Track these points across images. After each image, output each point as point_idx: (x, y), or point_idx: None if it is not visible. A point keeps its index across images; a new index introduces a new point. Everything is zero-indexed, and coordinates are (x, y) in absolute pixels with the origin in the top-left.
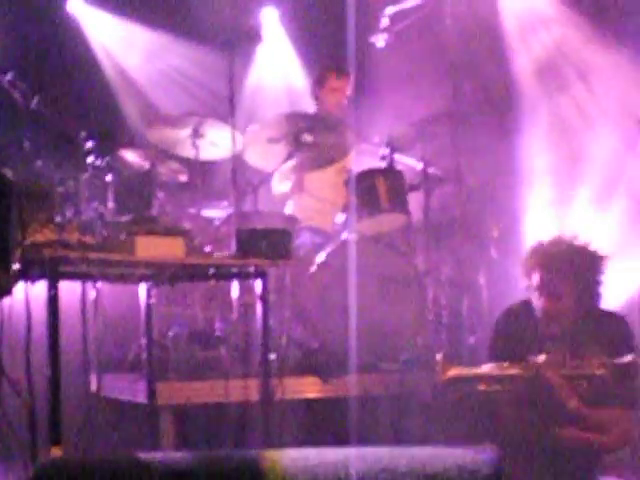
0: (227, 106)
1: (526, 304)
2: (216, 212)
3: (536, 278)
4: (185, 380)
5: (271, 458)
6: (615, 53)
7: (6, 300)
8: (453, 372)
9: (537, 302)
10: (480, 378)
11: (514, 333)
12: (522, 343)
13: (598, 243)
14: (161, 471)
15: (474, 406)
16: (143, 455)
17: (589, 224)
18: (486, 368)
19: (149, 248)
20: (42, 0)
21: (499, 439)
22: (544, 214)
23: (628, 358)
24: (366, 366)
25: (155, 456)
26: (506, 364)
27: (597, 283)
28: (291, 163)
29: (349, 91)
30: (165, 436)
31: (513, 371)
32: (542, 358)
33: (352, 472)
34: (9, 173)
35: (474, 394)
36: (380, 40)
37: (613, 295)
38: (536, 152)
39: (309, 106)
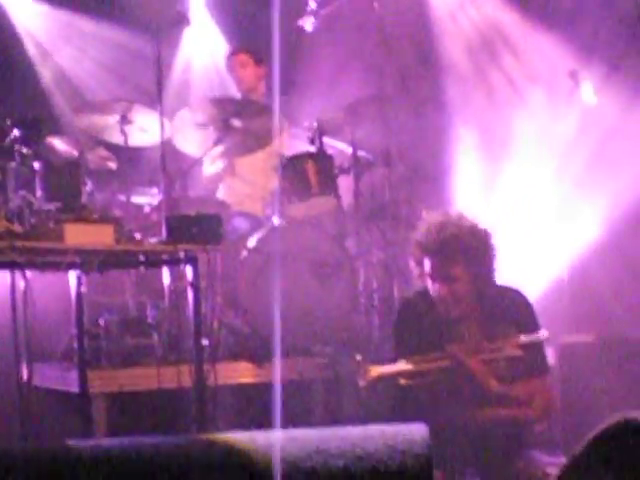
0: (155, 91)
1: (421, 294)
2: (146, 199)
3: (427, 264)
4: (117, 368)
5: (202, 443)
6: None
7: None
8: (374, 372)
9: (432, 289)
10: (401, 374)
11: (416, 325)
12: (427, 332)
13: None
14: (92, 459)
15: (399, 398)
16: (73, 443)
17: (518, 203)
18: (406, 363)
19: (78, 235)
20: None
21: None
22: (474, 194)
23: (542, 334)
24: (299, 350)
25: (86, 444)
26: (425, 356)
27: (489, 261)
28: (220, 148)
29: (255, 67)
30: (98, 424)
31: (433, 364)
32: (457, 347)
33: (283, 454)
34: None
35: (397, 388)
36: (308, 24)
37: (542, 276)
38: (466, 133)
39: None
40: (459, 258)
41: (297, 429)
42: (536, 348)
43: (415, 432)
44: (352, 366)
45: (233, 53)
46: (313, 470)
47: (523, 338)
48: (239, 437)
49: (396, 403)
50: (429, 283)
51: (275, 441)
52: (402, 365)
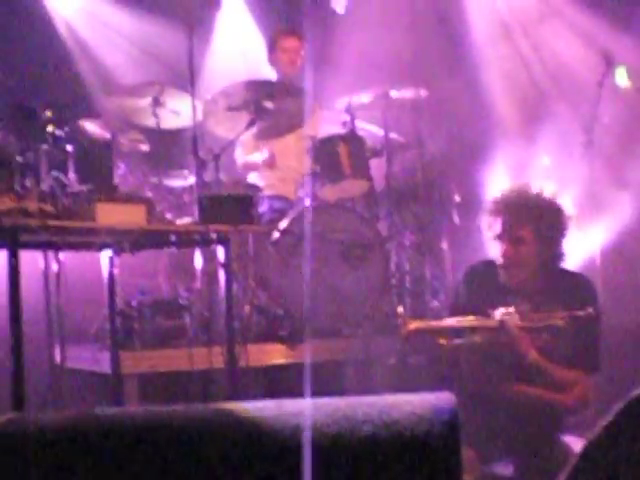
0: (187, 75)
1: (487, 263)
2: (178, 181)
3: (498, 225)
4: (149, 349)
5: (230, 410)
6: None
7: None
8: (414, 325)
9: (499, 251)
10: (441, 331)
11: (475, 289)
12: (483, 298)
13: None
14: (120, 425)
15: (435, 361)
16: (101, 411)
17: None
18: (448, 321)
19: (110, 215)
20: None
21: (459, 392)
22: (506, 178)
23: (589, 310)
24: (330, 332)
25: (114, 411)
26: (467, 317)
27: (559, 237)
28: (252, 132)
29: (302, 52)
30: (130, 405)
31: (474, 323)
32: (502, 310)
33: (310, 421)
34: None
35: (435, 348)
36: (339, 6)
37: (573, 256)
38: (498, 116)
39: (269, 73)
40: (530, 221)
41: (324, 398)
42: (590, 341)
43: (442, 400)
44: (384, 347)
45: (288, 34)
46: (340, 435)
47: (569, 312)
48: (267, 405)
49: (432, 364)
50: (496, 245)
51: (302, 408)
52: (444, 322)
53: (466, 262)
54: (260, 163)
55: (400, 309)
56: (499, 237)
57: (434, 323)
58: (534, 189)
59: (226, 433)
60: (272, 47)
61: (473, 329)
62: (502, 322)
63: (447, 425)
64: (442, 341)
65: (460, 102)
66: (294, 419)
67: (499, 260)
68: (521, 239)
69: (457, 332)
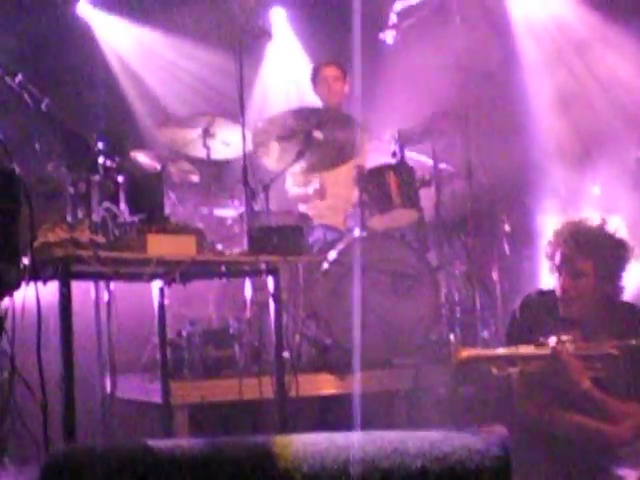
0: (237, 105)
1: (543, 293)
2: (228, 212)
3: (558, 256)
4: (199, 379)
5: (281, 442)
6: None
7: (19, 300)
8: (467, 353)
9: (557, 283)
10: (493, 359)
11: (531, 319)
12: (539, 328)
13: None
14: (172, 457)
15: (487, 390)
16: (154, 443)
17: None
18: (500, 350)
19: (161, 246)
20: (52, 3)
21: (511, 422)
22: (556, 208)
23: None
24: (380, 362)
25: (166, 443)
26: (520, 345)
27: (619, 271)
28: (303, 164)
29: (342, 81)
30: (180, 435)
31: (527, 351)
32: (555, 339)
33: (361, 455)
34: (17, 169)
35: (487, 377)
36: (389, 37)
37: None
38: (547, 145)
39: (317, 104)
40: (591, 255)
41: (375, 431)
42: None
43: (494, 434)
44: (434, 378)
45: (327, 64)
46: (391, 469)
47: (622, 341)
48: (317, 437)
49: (482, 394)
50: (556, 277)
51: (353, 441)
52: (496, 350)
53: (516, 292)
54: (311, 194)
55: (452, 337)
56: (558, 269)
57: (486, 351)
58: (596, 221)
59: (276, 466)
60: (314, 77)
61: (526, 358)
62: (555, 350)
63: (499, 459)
64: (494, 370)
65: (510, 131)
66: (345, 452)
67: (557, 292)
68: (581, 272)
69: (509, 361)
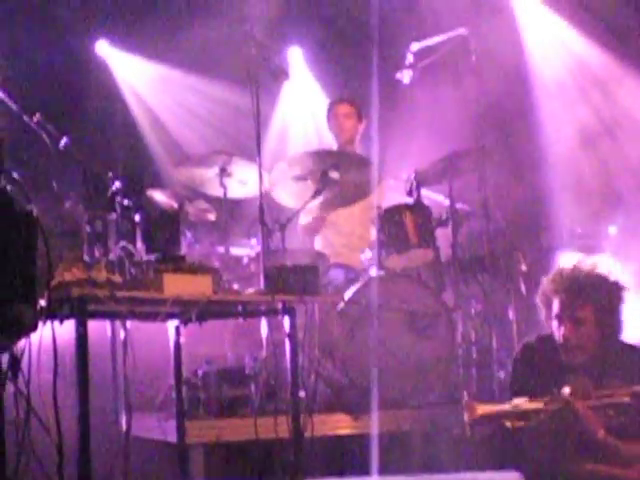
0: (254, 144)
1: (542, 339)
2: (244, 250)
3: (556, 305)
4: (215, 418)
5: None
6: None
7: (35, 339)
8: (480, 411)
9: (557, 331)
10: (507, 414)
11: (533, 368)
12: (543, 377)
13: (621, 275)
14: None
15: (502, 443)
16: None
17: (618, 256)
18: (512, 404)
19: (177, 285)
20: (70, 42)
21: (527, 473)
22: (572, 247)
23: None
24: (396, 402)
25: None
26: (532, 399)
27: (617, 312)
28: (318, 201)
29: (353, 118)
30: (196, 474)
31: (539, 405)
32: (567, 390)
33: None
34: (34, 210)
35: (501, 431)
36: (406, 76)
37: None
38: (563, 185)
39: (334, 144)
40: (589, 301)
41: (390, 475)
42: None
43: (509, 476)
44: (450, 418)
45: (338, 102)
46: None
47: (634, 388)
48: None
49: (499, 446)
50: (555, 325)
51: None
52: (508, 405)
53: (532, 331)
54: (312, 224)
55: (465, 395)
56: (557, 317)
57: (499, 407)
58: (588, 265)
59: None
60: (328, 114)
61: (539, 411)
62: (569, 403)
63: None
64: (508, 424)
65: (526, 170)
66: None
67: (558, 339)
68: (581, 320)
69: (523, 415)
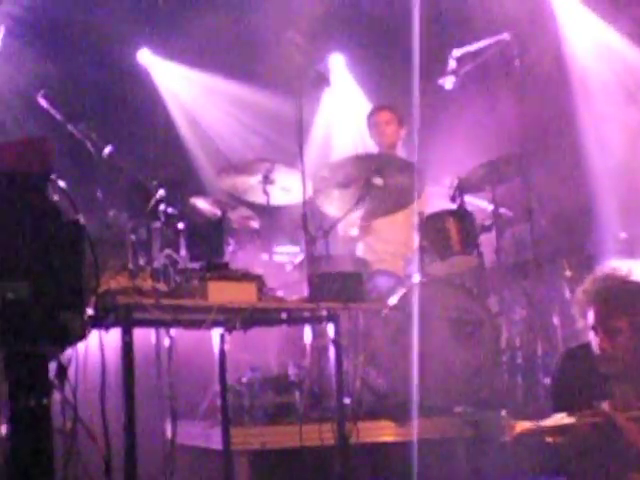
0: (296, 151)
1: (584, 347)
2: (288, 257)
3: (591, 315)
4: (260, 425)
5: None
6: None
7: (81, 347)
8: (519, 428)
9: (594, 341)
10: (547, 431)
11: (574, 379)
12: (583, 387)
13: None
14: None
15: (544, 459)
16: None
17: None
18: (552, 420)
19: (221, 293)
20: (113, 51)
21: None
22: (617, 252)
23: None
24: (440, 409)
25: None
26: (572, 413)
27: None
28: (362, 210)
29: (393, 125)
30: None
31: (579, 420)
32: (607, 404)
33: None
34: (82, 219)
35: (543, 447)
36: (448, 82)
37: None
38: (608, 190)
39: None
40: (625, 311)
41: None
42: None
43: None
44: (494, 425)
45: (378, 109)
46: None
47: None
48: None
49: (541, 462)
50: (592, 336)
51: None
52: (548, 421)
53: (578, 337)
54: (357, 235)
55: (503, 413)
56: (594, 328)
57: (539, 424)
58: (621, 272)
59: None
60: (368, 122)
61: (579, 425)
62: (609, 417)
63: None
64: (549, 439)
65: (572, 175)
66: None
67: (596, 349)
68: (618, 330)
69: (563, 430)
